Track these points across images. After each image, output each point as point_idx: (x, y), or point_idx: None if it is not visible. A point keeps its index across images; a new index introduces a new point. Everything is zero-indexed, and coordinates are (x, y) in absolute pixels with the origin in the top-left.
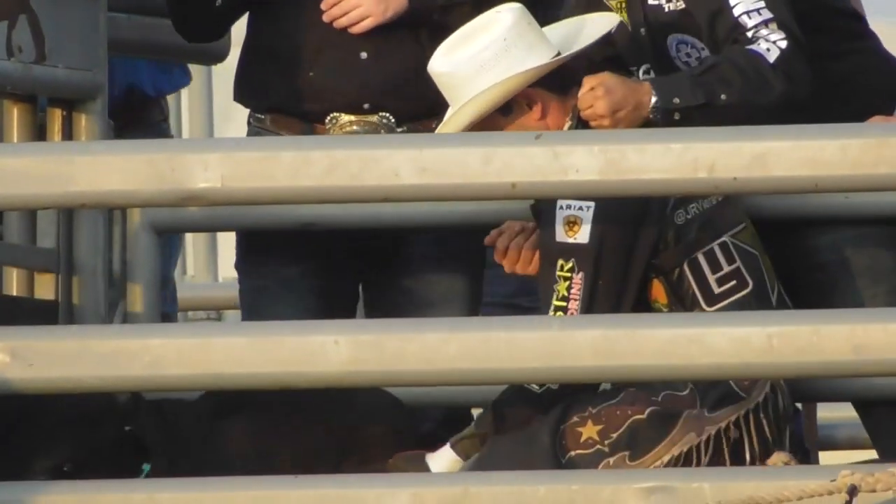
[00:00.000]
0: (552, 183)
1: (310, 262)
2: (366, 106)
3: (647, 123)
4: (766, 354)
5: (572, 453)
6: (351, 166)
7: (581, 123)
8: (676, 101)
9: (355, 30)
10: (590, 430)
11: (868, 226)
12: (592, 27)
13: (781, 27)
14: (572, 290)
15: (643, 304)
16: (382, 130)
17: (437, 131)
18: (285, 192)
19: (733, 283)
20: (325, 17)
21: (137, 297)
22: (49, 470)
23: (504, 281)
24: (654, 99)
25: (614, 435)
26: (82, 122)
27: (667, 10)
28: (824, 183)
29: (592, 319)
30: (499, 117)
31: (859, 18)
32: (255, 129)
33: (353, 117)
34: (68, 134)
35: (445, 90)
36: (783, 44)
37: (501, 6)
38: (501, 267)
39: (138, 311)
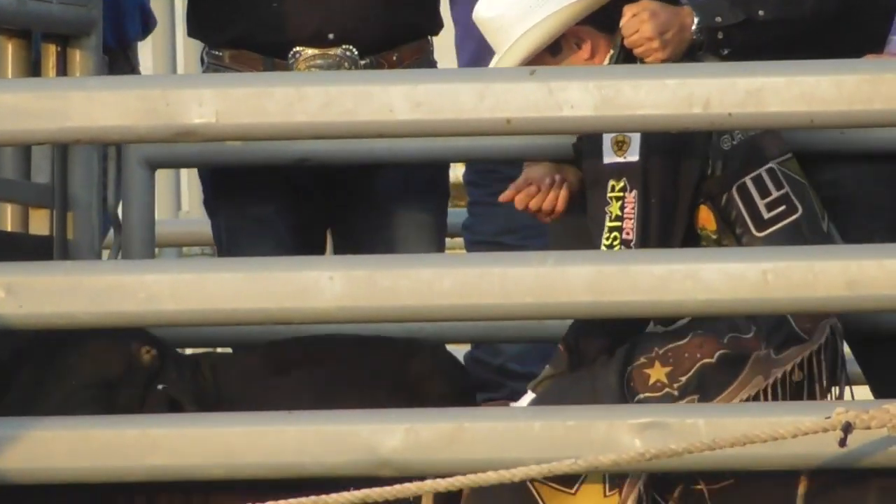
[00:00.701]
0: (547, 118)
1: (282, 200)
2: (331, 36)
3: (692, 46)
4: (761, 290)
5: (641, 395)
6: (345, 101)
7: (624, 52)
8: (718, 19)
9: None
10: (658, 373)
11: (866, 163)
12: None
13: None
14: (626, 209)
15: (691, 232)
16: (346, 63)
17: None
18: (280, 127)
19: (783, 208)
20: None
21: (132, 232)
22: None
23: (488, 219)
24: (696, 19)
25: (683, 378)
26: (77, 57)
27: None
28: (820, 118)
29: (586, 256)
30: (547, 57)
31: None
32: (211, 66)
33: (316, 51)
34: (63, 70)
35: (492, 35)
36: None
37: None
38: (487, 205)
39: (133, 247)
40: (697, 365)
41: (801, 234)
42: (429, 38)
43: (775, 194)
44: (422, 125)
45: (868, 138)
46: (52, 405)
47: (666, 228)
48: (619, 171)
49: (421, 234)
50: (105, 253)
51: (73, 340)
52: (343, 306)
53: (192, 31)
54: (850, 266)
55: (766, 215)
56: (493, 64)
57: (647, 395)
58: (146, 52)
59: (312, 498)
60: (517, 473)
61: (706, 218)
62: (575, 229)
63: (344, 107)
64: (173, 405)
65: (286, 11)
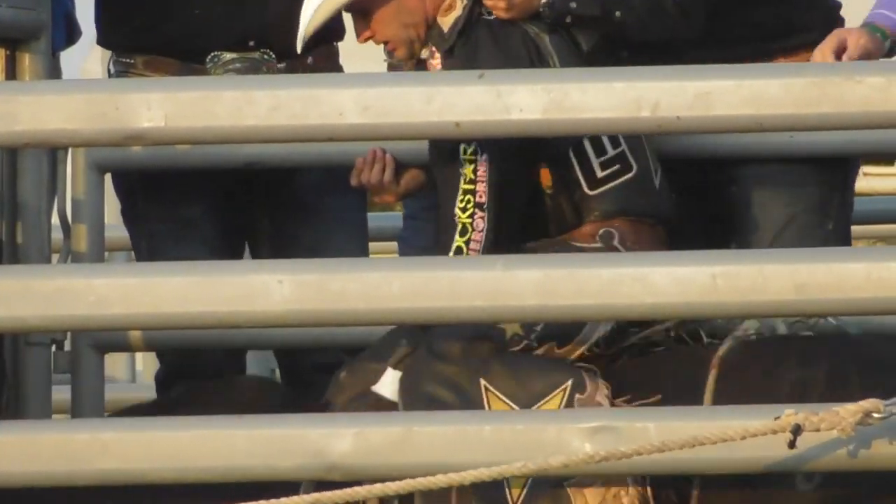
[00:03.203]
0: (496, 122)
1: (208, 200)
2: (251, 42)
3: (538, 16)
4: (710, 294)
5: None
6: (294, 105)
7: (477, 4)
8: (573, 5)
9: None
10: (512, 327)
11: (775, 162)
12: None
13: None
14: (479, 172)
15: (537, 191)
16: (264, 67)
17: (311, 11)
18: (228, 131)
19: (617, 167)
20: None
21: (81, 237)
22: None
23: (423, 232)
24: None
25: (538, 328)
26: (26, 61)
27: None
28: (768, 122)
29: (534, 260)
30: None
31: None
32: (122, 74)
33: (234, 55)
34: (12, 73)
35: None
36: None
37: None
38: (422, 219)
39: (82, 251)
40: None
41: (632, 193)
42: (335, 44)
43: (611, 153)
44: (371, 129)
45: (812, 142)
46: None
47: (513, 189)
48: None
49: (344, 230)
50: (54, 257)
51: None
52: (292, 310)
53: (103, 39)
54: (799, 270)
55: (600, 174)
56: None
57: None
58: (95, 57)
59: (262, 502)
60: (467, 476)
61: (545, 176)
62: None
63: (293, 110)
64: None
65: (209, 18)
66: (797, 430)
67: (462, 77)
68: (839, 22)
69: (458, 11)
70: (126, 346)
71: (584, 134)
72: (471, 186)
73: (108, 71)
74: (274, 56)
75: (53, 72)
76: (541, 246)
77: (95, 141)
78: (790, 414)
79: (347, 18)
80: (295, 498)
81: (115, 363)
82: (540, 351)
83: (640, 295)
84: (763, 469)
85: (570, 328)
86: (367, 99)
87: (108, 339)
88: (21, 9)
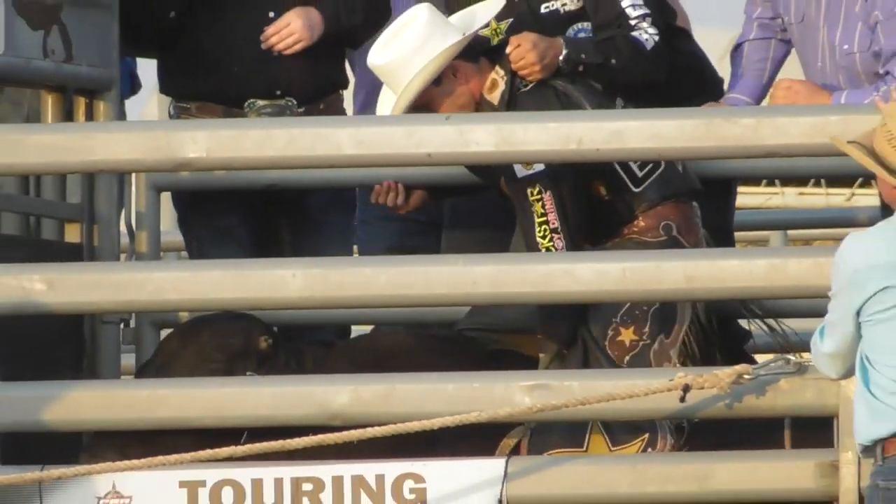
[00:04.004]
0: (459, 153)
1: (241, 213)
2: (277, 92)
3: (557, 70)
4: (621, 284)
5: (627, 357)
6: (305, 141)
7: (514, 76)
8: (583, 56)
9: (289, 51)
10: (627, 335)
11: None
12: (484, 12)
13: (654, 24)
14: (546, 206)
15: (593, 199)
16: (288, 111)
17: (392, 107)
18: (255, 160)
19: (650, 165)
20: (264, 46)
21: (143, 241)
22: None
23: (377, 237)
24: (565, 52)
25: (646, 329)
26: (100, 107)
27: (563, 11)
28: (666, 153)
29: (488, 258)
30: (433, 88)
31: (685, 33)
32: (180, 116)
33: (266, 101)
34: (90, 116)
35: (385, 76)
36: (656, 38)
37: (415, 6)
38: (374, 224)
39: (143, 252)
40: (648, 314)
41: (673, 180)
42: (341, 91)
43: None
44: (363, 158)
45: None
46: (183, 371)
47: (576, 208)
48: (531, 180)
49: (342, 239)
50: (122, 256)
51: (206, 321)
52: (303, 297)
53: (164, 89)
54: (688, 265)
55: (640, 174)
56: (390, 100)
57: (630, 355)
58: (153, 103)
59: (281, 441)
60: (436, 423)
61: (599, 187)
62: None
63: (303, 144)
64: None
65: (245, 73)
66: (687, 388)
67: (433, 119)
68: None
69: (502, 86)
70: (177, 324)
71: (526, 161)
72: (543, 218)
73: (169, 113)
74: (295, 102)
75: (121, 115)
76: (615, 245)
77: (153, 168)
78: (682, 376)
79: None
80: (305, 438)
81: None
82: (656, 346)
83: (569, 284)
84: (661, 418)
85: (667, 320)
86: (361, 135)
87: (163, 318)
88: (97, 67)
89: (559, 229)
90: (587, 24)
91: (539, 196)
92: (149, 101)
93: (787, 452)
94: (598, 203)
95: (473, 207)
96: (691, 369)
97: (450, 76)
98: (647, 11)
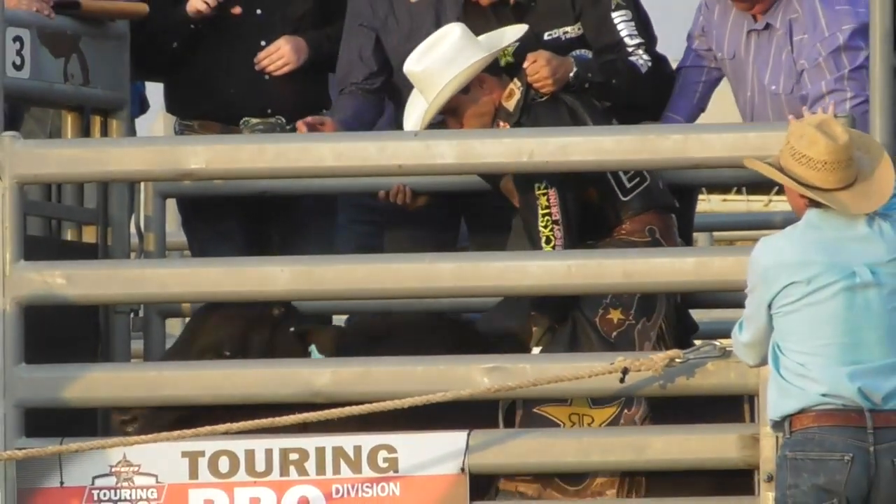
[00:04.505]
0: (426, 165)
1: (237, 217)
2: (269, 111)
3: (567, 84)
4: (567, 278)
5: (614, 334)
6: (292, 154)
7: (529, 88)
8: (590, 75)
9: (278, 73)
10: (615, 314)
11: None
12: (511, 33)
13: (648, 52)
14: (551, 200)
15: (587, 203)
16: (278, 128)
17: (424, 111)
18: (248, 171)
19: (637, 179)
20: (257, 67)
21: (150, 241)
22: (213, 354)
23: (344, 240)
24: (575, 69)
25: (632, 310)
26: (114, 125)
27: (564, 38)
28: (605, 165)
29: (450, 256)
30: (460, 96)
31: (664, 59)
32: (182, 132)
33: (258, 120)
34: (105, 132)
35: (420, 82)
36: (650, 64)
37: (448, 24)
38: (343, 228)
39: (151, 251)
40: (634, 300)
41: (654, 193)
42: (324, 111)
43: (631, 171)
44: (343, 169)
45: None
46: (209, 332)
47: (575, 205)
48: (539, 176)
49: (324, 239)
50: (132, 255)
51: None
52: (290, 290)
53: (170, 108)
54: (626, 262)
55: (628, 185)
56: (420, 102)
57: (616, 331)
58: (160, 121)
59: (269, 419)
60: (406, 402)
61: (592, 193)
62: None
63: (291, 157)
64: (301, 339)
65: (240, 95)
66: (626, 371)
67: (402, 135)
68: None
69: (518, 96)
70: (180, 314)
71: (483, 172)
72: (547, 210)
73: (175, 129)
74: (284, 120)
75: (131, 131)
76: (604, 244)
77: (159, 177)
78: (621, 360)
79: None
80: (292, 417)
81: (173, 325)
82: (639, 326)
83: (520, 279)
84: (604, 397)
85: (649, 307)
86: (340, 149)
87: (168, 308)
88: (110, 90)
89: (560, 221)
90: (586, 52)
91: (545, 191)
92: (156, 119)
93: (713, 427)
94: (590, 207)
95: (410, 211)
96: (629, 354)
97: (477, 86)
98: (642, 40)
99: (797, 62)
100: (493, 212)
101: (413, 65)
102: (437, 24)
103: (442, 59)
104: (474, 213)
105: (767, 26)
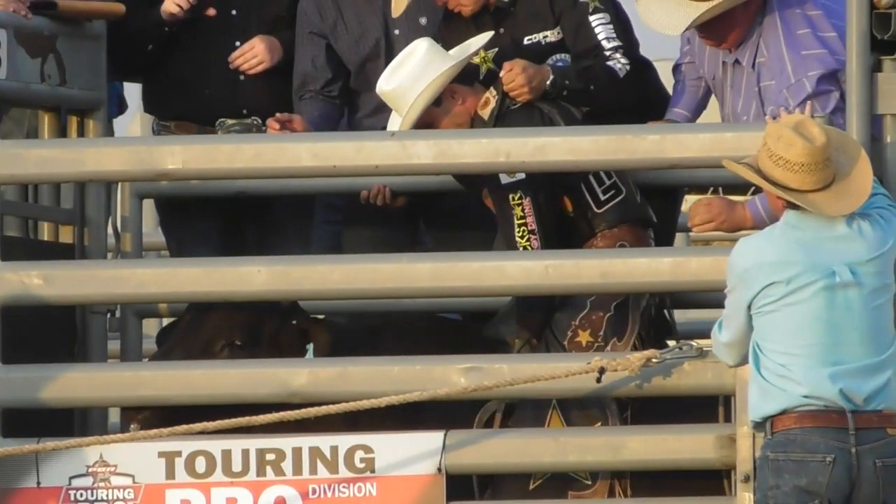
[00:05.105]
0: (403, 165)
1: (213, 218)
2: (245, 112)
3: (544, 93)
4: (544, 279)
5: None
6: (269, 154)
7: (504, 96)
8: (567, 82)
9: (252, 72)
10: (584, 336)
11: None
12: (475, 42)
13: (626, 55)
14: (525, 210)
15: (561, 213)
16: (254, 129)
17: (398, 127)
18: (226, 171)
19: (612, 192)
20: (232, 66)
21: (127, 242)
22: (225, 343)
23: (317, 238)
24: (552, 77)
25: (601, 332)
26: (90, 125)
27: (544, 43)
28: (582, 165)
29: (427, 256)
30: (433, 109)
31: (648, 63)
32: (160, 132)
33: (234, 120)
34: (81, 133)
35: (392, 100)
36: (627, 67)
37: (415, 41)
38: (333, 211)
39: (128, 251)
40: (604, 320)
41: (628, 207)
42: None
43: (607, 182)
44: (319, 170)
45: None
46: (218, 317)
47: (550, 214)
48: (514, 187)
49: (301, 239)
50: (109, 255)
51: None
52: (267, 290)
53: (147, 109)
54: (603, 263)
55: (603, 197)
56: (397, 121)
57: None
58: (137, 121)
59: (247, 418)
60: (383, 401)
61: (567, 203)
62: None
63: (268, 157)
64: (303, 334)
65: (216, 96)
66: (602, 371)
67: (379, 135)
68: None
69: (493, 104)
70: (157, 314)
71: (460, 173)
72: (522, 220)
73: (153, 129)
74: (260, 121)
75: (108, 132)
76: None
77: (136, 178)
78: (598, 360)
79: None
80: (269, 415)
81: (149, 325)
82: (608, 348)
83: (498, 279)
84: (581, 397)
85: (620, 326)
86: (317, 150)
87: (145, 309)
88: (87, 90)
89: (536, 231)
90: (566, 56)
91: (520, 201)
92: (133, 119)
93: (691, 427)
94: (564, 217)
95: (370, 210)
96: (606, 354)
97: (448, 97)
98: (620, 44)
99: (765, 106)
100: (450, 211)
101: (384, 84)
102: (385, 27)
103: (410, 75)
104: (431, 213)
105: (737, 62)
